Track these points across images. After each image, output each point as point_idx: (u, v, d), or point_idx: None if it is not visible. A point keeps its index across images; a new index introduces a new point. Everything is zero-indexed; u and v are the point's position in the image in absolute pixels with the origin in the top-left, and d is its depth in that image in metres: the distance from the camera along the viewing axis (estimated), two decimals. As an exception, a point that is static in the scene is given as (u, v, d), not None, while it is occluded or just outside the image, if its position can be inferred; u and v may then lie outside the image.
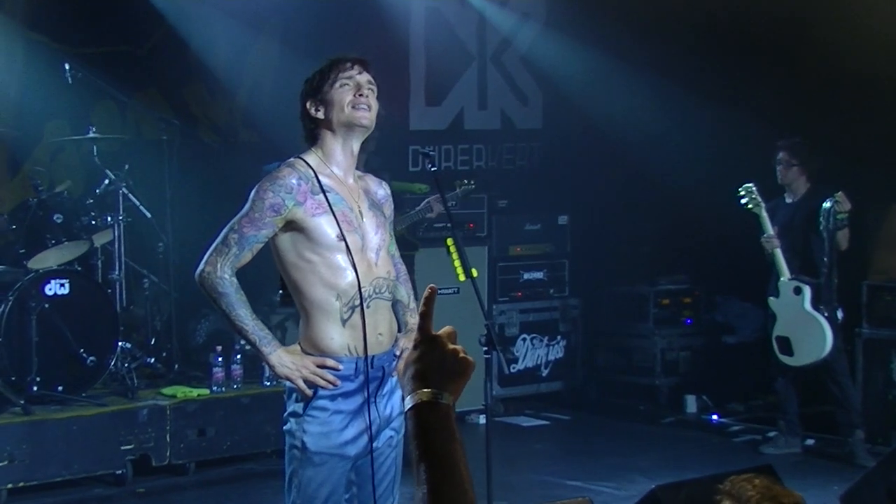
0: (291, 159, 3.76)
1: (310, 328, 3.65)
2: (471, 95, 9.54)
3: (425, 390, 1.77)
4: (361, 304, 3.63)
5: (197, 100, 8.71)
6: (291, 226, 3.63)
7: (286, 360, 3.60)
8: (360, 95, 3.67)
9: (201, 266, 3.65)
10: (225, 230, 3.67)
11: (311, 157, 3.73)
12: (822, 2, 7.83)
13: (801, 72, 8.11)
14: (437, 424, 1.75)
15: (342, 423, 3.63)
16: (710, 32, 8.38)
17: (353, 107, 3.67)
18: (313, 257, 3.63)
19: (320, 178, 3.68)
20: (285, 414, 3.72)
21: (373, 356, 3.68)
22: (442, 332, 1.83)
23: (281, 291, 3.87)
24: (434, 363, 1.80)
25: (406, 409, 1.79)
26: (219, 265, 3.62)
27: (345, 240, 3.63)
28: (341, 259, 3.63)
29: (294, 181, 3.64)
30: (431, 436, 1.74)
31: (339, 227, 3.63)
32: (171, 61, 8.31)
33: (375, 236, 3.75)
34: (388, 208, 3.91)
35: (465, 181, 7.35)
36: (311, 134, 3.76)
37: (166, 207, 7.54)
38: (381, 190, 3.91)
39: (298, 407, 3.66)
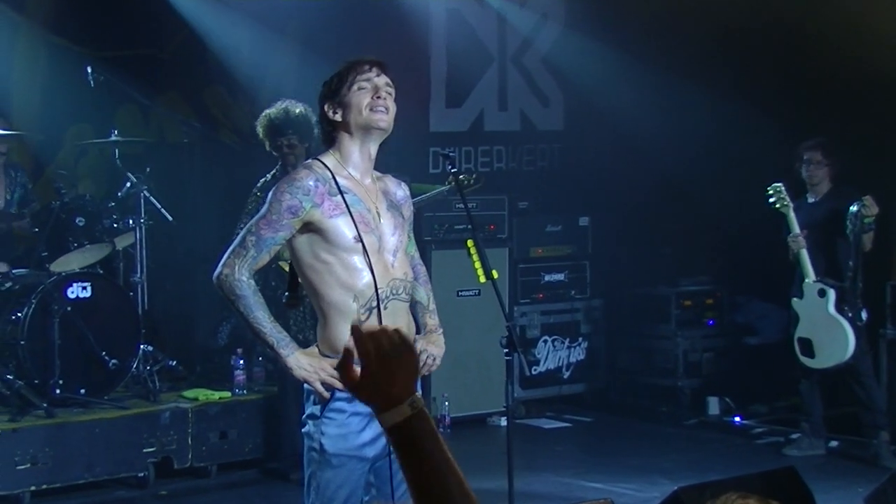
0: (309, 161, 3.76)
1: (327, 330, 3.65)
2: (491, 97, 9.53)
3: (403, 404, 1.70)
4: (378, 305, 3.63)
5: (218, 103, 8.73)
6: (309, 227, 3.63)
7: (304, 363, 3.59)
8: (378, 98, 3.66)
9: (219, 268, 3.65)
10: (242, 232, 3.68)
11: (329, 159, 3.73)
12: (843, 1, 7.78)
13: (822, 72, 8.05)
14: (425, 433, 1.70)
15: (360, 424, 3.63)
16: (732, 33, 8.35)
17: (371, 109, 3.66)
18: (330, 259, 3.63)
19: (338, 179, 3.67)
20: (304, 416, 3.72)
21: None
22: (367, 342, 1.72)
23: (287, 293, 3.84)
24: (402, 374, 1.71)
25: (388, 429, 1.71)
26: (236, 267, 3.62)
27: (362, 241, 3.63)
28: (358, 260, 3.62)
29: (311, 183, 3.64)
30: (425, 447, 1.70)
31: (357, 228, 3.63)
32: (192, 64, 8.34)
33: (393, 237, 3.74)
34: (408, 209, 3.90)
35: (464, 177, 7.05)
36: (329, 136, 3.76)
37: (188, 210, 7.56)
38: (401, 191, 3.90)
39: (316, 409, 3.66)
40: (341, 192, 3.65)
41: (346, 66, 3.71)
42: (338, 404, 3.63)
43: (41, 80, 7.93)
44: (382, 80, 3.70)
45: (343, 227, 3.63)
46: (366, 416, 3.63)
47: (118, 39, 8.11)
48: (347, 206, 3.64)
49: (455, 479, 1.68)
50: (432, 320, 3.95)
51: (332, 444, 3.62)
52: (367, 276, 3.62)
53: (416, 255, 3.95)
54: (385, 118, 3.68)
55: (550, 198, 9.20)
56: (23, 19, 7.85)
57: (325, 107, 3.73)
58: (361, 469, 3.66)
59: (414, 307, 3.85)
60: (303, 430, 3.71)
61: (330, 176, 3.67)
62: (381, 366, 1.71)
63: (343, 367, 1.72)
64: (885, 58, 7.48)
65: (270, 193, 3.68)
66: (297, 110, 6.38)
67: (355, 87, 3.67)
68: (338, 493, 3.64)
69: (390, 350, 1.72)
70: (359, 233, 3.63)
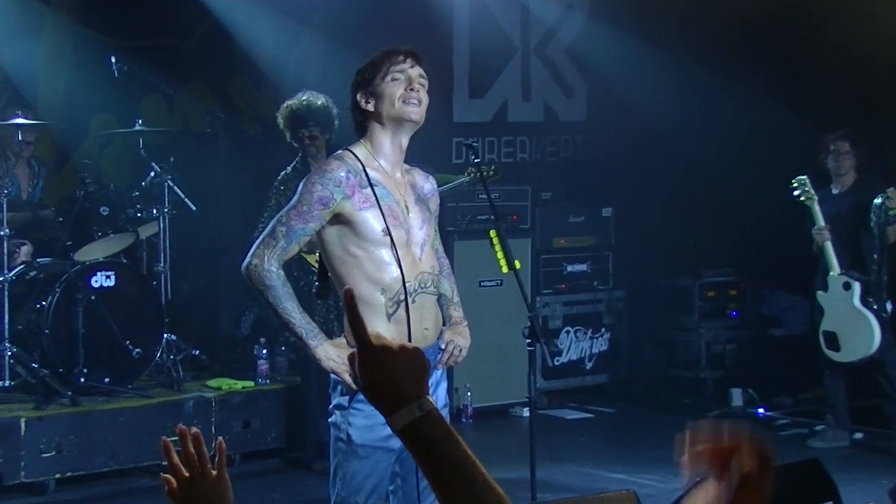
0: (340, 151, 3.75)
1: None
2: (514, 87, 9.51)
3: (411, 405, 1.64)
4: (406, 298, 3.63)
5: (242, 93, 8.75)
6: (338, 219, 3.63)
7: (332, 354, 3.59)
8: (412, 90, 3.64)
9: (248, 258, 3.65)
10: (273, 223, 3.68)
11: (360, 150, 3.72)
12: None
13: (848, 63, 8.00)
14: (438, 434, 1.64)
15: None
16: (757, 23, 8.30)
17: (404, 101, 3.64)
18: (358, 252, 3.63)
19: (368, 171, 3.67)
20: (331, 406, 3.73)
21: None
22: (375, 337, 1.69)
23: (318, 283, 3.84)
24: (401, 373, 1.66)
25: (398, 431, 1.65)
26: (266, 258, 3.62)
27: (390, 234, 3.63)
28: (386, 254, 3.62)
29: (343, 174, 3.63)
30: (440, 449, 1.63)
31: (385, 221, 3.63)
32: (216, 54, 8.36)
33: (421, 231, 3.73)
34: (434, 203, 3.89)
35: (483, 168, 6.98)
36: (361, 126, 3.75)
37: (211, 200, 7.58)
38: (428, 184, 3.89)
39: (344, 400, 3.66)
40: (371, 185, 3.64)
41: (380, 56, 3.69)
42: None
43: (66, 71, 7.97)
44: (416, 71, 3.68)
45: (372, 221, 3.63)
46: None
47: (143, 29, 8.13)
48: (377, 198, 3.64)
49: (478, 476, 1.64)
50: (457, 312, 3.95)
51: (360, 435, 3.63)
52: (395, 270, 3.62)
53: (440, 248, 3.95)
54: (417, 110, 3.66)
55: (573, 188, 9.18)
56: (48, 9, 7.89)
57: (358, 96, 3.71)
58: (388, 460, 3.67)
59: (439, 300, 3.85)
60: (329, 420, 3.71)
61: (361, 168, 3.66)
62: (380, 369, 1.67)
63: (359, 323, 1.70)
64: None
65: (301, 184, 3.67)
66: (319, 102, 6.37)
67: (389, 77, 3.65)
68: (364, 484, 3.65)
69: (417, 361, 1.70)
70: (387, 226, 3.63)
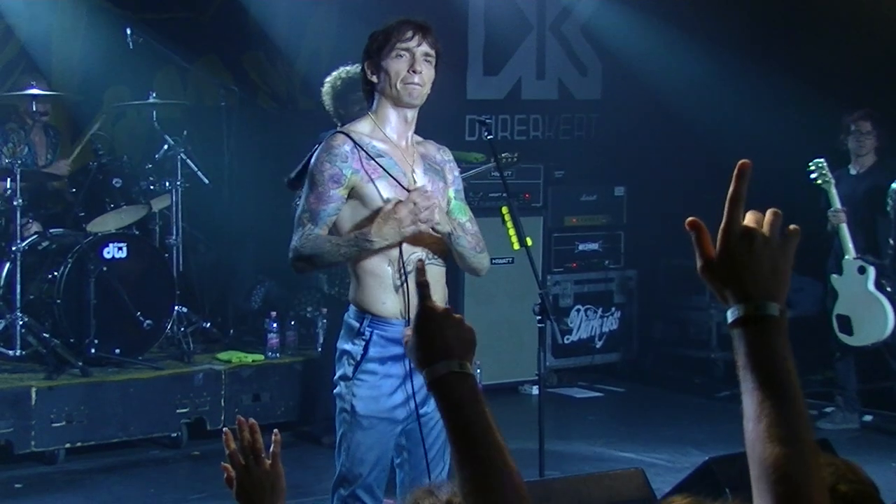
0: (345, 126, 3.77)
1: (361, 292, 3.67)
2: (529, 65, 9.47)
3: (451, 361, 1.74)
4: (406, 270, 3.62)
5: (256, 67, 8.74)
6: (352, 194, 3.66)
7: (385, 230, 3.58)
8: (414, 71, 3.64)
9: (290, 256, 3.71)
10: (298, 213, 3.73)
11: (365, 124, 3.74)
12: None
13: (864, 42, 7.95)
14: (470, 397, 1.72)
15: (392, 387, 3.64)
16: (774, 2, 8.24)
17: (405, 83, 3.65)
18: (364, 222, 3.65)
19: (374, 142, 3.68)
20: (336, 377, 3.74)
21: None
22: (440, 307, 1.81)
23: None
24: (452, 334, 1.77)
25: (432, 381, 1.74)
26: (298, 244, 3.68)
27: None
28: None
29: (347, 148, 3.66)
30: (469, 410, 1.71)
31: (392, 191, 3.64)
32: (231, 28, 8.34)
33: None
34: (451, 172, 3.89)
35: (509, 155, 7.05)
36: (368, 95, 3.77)
37: (224, 173, 7.59)
38: (441, 154, 3.89)
39: (349, 370, 3.68)
40: (377, 157, 3.66)
41: (388, 28, 3.69)
42: (370, 366, 3.65)
43: (81, 42, 7.96)
44: (422, 49, 3.67)
45: (379, 191, 3.65)
46: (397, 378, 3.65)
47: (158, 2, 8.13)
48: (384, 169, 3.65)
49: (498, 445, 1.69)
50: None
51: (364, 406, 3.64)
52: (403, 244, 3.63)
53: (471, 224, 3.86)
54: (416, 94, 3.67)
55: (586, 167, 9.15)
56: (63, -21, 7.88)
57: (366, 65, 3.73)
58: (391, 431, 3.68)
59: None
60: (334, 391, 3.73)
61: (366, 141, 3.68)
62: (435, 325, 1.77)
63: (426, 288, 1.82)
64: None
65: (312, 166, 3.69)
66: None
67: (394, 53, 3.66)
68: (368, 455, 3.67)
69: (469, 332, 1.80)
70: (395, 195, 3.64)
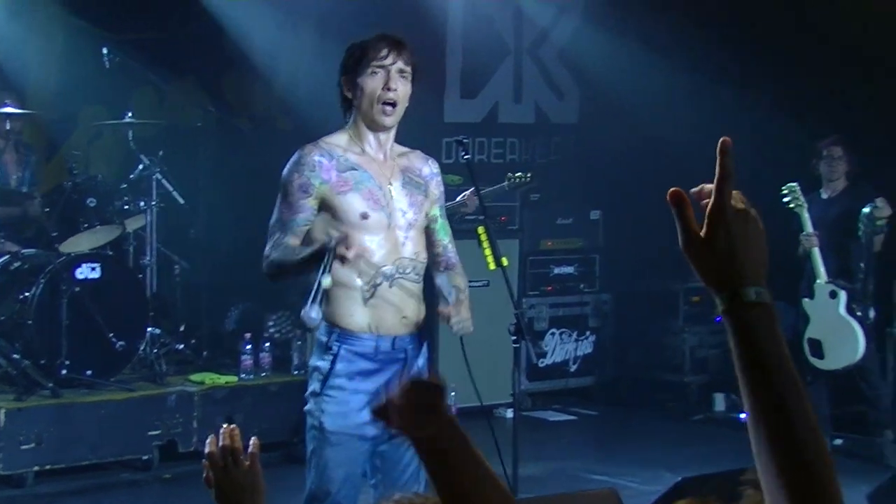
0: (320, 139, 3.76)
1: (330, 305, 3.66)
2: (506, 89, 9.50)
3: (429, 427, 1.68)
4: (380, 283, 3.59)
5: (234, 88, 8.73)
6: (323, 205, 3.65)
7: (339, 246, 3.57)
8: (388, 89, 3.64)
9: (263, 266, 3.72)
10: (270, 224, 3.74)
11: (341, 137, 3.75)
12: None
13: (838, 68, 8.03)
14: (458, 450, 1.70)
15: (361, 402, 3.62)
16: (749, 27, 8.31)
17: (380, 101, 3.65)
18: (336, 235, 3.64)
19: (347, 155, 3.69)
20: (306, 393, 3.73)
21: (394, 337, 3.66)
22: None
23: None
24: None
25: (413, 440, 1.70)
26: (269, 253, 3.69)
27: (367, 218, 3.63)
28: (365, 238, 3.63)
29: (317, 158, 3.66)
30: (455, 464, 1.69)
31: (364, 204, 3.64)
32: (208, 49, 8.33)
33: (405, 216, 3.72)
34: (436, 187, 3.88)
35: (518, 175, 7.07)
36: (345, 108, 3.78)
37: (200, 194, 7.57)
38: (428, 167, 3.88)
39: (318, 386, 3.67)
40: (350, 169, 3.66)
41: (364, 44, 3.70)
42: (338, 381, 3.63)
43: (58, 60, 7.94)
44: (397, 65, 3.68)
45: (351, 204, 3.64)
46: (367, 394, 3.63)
47: (137, 22, 8.11)
48: (356, 182, 3.65)
49: (496, 493, 1.68)
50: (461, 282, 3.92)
51: (332, 422, 3.63)
52: (372, 255, 3.63)
53: (450, 244, 3.91)
54: (390, 118, 3.69)
55: (562, 191, 9.17)
56: (41, -1, 7.86)
57: (342, 81, 3.74)
58: (361, 448, 3.66)
59: (439, 290, 3.85)
60: (305, 408, 3.72)
61: (339, 153, 3.67)
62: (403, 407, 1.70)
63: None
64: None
65: (283, 177, 3.70)
66: None
67: (369, 70, 3.67)
68: (336, 472, 3.65)
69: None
70: (367, 210, 3.63)
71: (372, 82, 3.66)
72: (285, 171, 3.71)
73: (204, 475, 2.31)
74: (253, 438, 2.37)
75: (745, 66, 8.45)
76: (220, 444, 2.31)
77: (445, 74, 9.15)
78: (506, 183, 6.95)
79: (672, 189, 1.45)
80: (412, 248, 3.74)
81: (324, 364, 3.66)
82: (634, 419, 8.32)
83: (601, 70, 9.17)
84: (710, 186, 1.46)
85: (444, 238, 3.86)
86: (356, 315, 3.64)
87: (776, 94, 8.34)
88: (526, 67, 9.54)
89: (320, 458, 3.66)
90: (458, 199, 7.03)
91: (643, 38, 8.66)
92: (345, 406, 3.62)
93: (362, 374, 3.63)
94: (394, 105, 3.67)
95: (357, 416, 3.63)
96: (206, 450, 2.29)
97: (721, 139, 1.47)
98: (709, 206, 1.44)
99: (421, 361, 3.78)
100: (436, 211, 3.86)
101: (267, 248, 3.70)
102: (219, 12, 8.20)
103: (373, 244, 3.64)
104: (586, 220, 8.99)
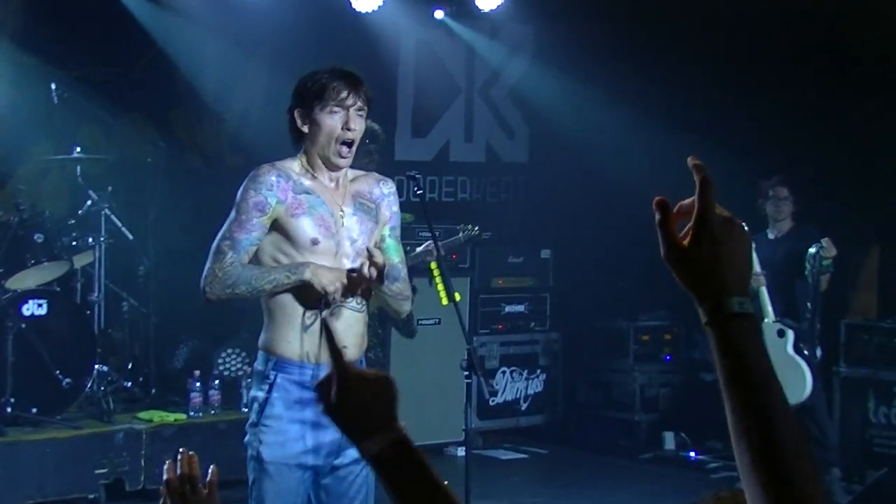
0: (275, 162, 3.74)
1: (270, 329, 3.65)
2: (457, 128, 9.56)
3: (386, 431, 1.58)
4: (321, 311, 3.57)
5: (184, 124, 8.70)
6: (275, 225, 3.63)
7: (322, 273, 3.57)
8: (348, 129, 3.64)
9: (202, 284, 3.63)
10: (217, 240, 3.67)
11: (294, 164, 3.74)
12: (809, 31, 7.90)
13: (782, 109, 8.17)
14: (410, 467, 1.59)
15: (299, 432, 3.59)
16: (695, 69, 8.42)
17: (339, 141, 3.66)
18: (284, 260, 3.63)
19: (301, 179, 3.68)
20: (246, 424, 3.69)
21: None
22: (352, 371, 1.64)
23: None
24: (374, 398, 1.62)
25: (369, 459, 1.60)
26: (218, 271, 3.59)
27: (318, 244, 3.62)
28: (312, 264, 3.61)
29: (273, 178, 3.64)
30: (413, 482, 1.58)
31: (316, 230, 3.63)
32: (159, 85, 8.31)
33: (355, 243, 3.71)
34: (388, 207, 3.85)
35: (469, 227, 7.09)
36: (296, 140, 3.76)
37: (148, 230, 7.52)
38: (379, 189, 3.85)
39: (255, 417, 3.64)
40: (303, 192, 3.65)
41: (322, 83, 3.67)
42: (276, 411, 3.60)
43: (5, 96, 7.86)
44: (356, 106, 3.68)
45: (303, 228, 3.64)
46: (306, 424, 3.60)
47: (86, 58, 8.06)
48: (309, 206, 3.64)
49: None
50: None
51: (270, 452, 3.60)
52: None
53: (400, 265, 3.83)
54: (345, 160, 3.69)
55: (513, 229, 9.23)
56: (-11, 35, 7.80)
57: (295, 113, 3.72)
58: (300, 477, 3.62)
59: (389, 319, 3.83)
60: (245, 439, 3.68)
61: (294, 177, 3.67)
62: (351, 394, 1.62)
63: (339, 356, 1.66)
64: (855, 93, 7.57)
65: (238, 194, 3.67)
66: (376, 126, 6.42)
67: (328, 109, 3.66)
68: (275, 503, 3.59)
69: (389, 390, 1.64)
70: (317, 236, 3.63)
71: (330, 121, 3.66)
72: (240, 191, 3.67)
73: (160, 502, 2.29)
74: (212, 466, 2.35)
75: (692, 107, 8.55)
76: (178, 471, 2.29)
77: (397, 113, 9.19)
78: (461, 235, 6.93)
79: (657, 197, 1.44)
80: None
81: (261, 394, 3.63)
82: (585, 457, 8.34)
83: (551, 110, 9.26)
84: (688, 202, 1.45)
85: (395, 258, 3.82)
86: (294, 342, 3.61)
87: (722, 133, 8.45)
88: (477, 107, 9.61)
89: (260, 489, 3.63)
90: (420, 249, 7.00)
91: (592, 78, 8.76)
92: (282, 436, 3.59)
93: (300, 403, 3.59)
94: (351, 145, 3.68)
95: (294, 445, 3.60)
96: (165, 476, 2.27)
97: (688, 158, 1.48)
98: (694, 214, 1.42)
99: None
100: (385, 231, 3.82)
101: (211, 266, 3.60)
102: (169, 48, 8.19)
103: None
104: (537, 258, 9.03)
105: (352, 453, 3.65)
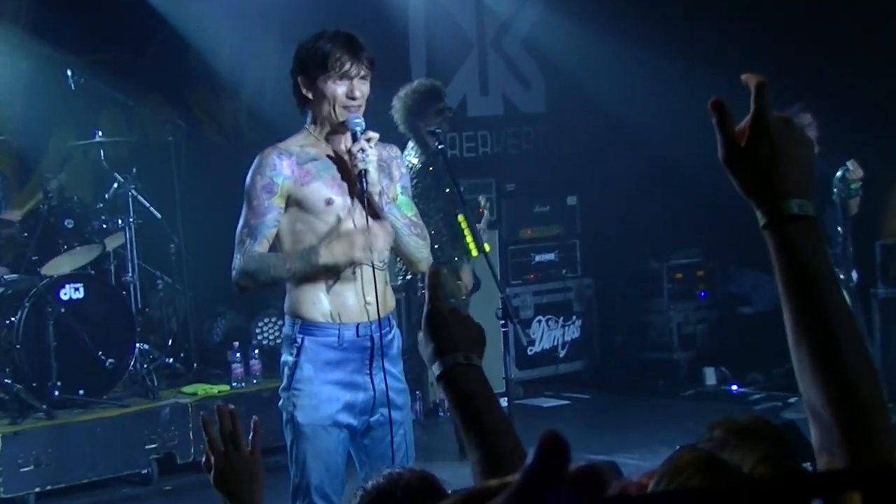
0: (278, 143, 3.75)
1: (293, 293, 3.67)
2: (472, 82, 9.53)
3: (457, 353, 1.82)
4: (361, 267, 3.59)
5: (201, 102, 8.73)
6: (290, 201, 3.65)
7: (336, 248, 3.57)
8: (353, 98, 3.65)
9: (233, 276, 3.68)
10: (237, 232, 3.71)
11: (299, 138, 3.74)
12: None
13: (803, 35, 8.10)
14: (474, 387, 1.80)
15: (331, 393, 3.62)
16: (715, 6, 8.36)
17: (343, 106, 3.66)
18: (302, 227, 3.65)
19: (307, 149, 3.69)
20: (280, 389, 3.73)
21: (357, 324, 3.65)
22: (446, 307, 1.89)
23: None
24: (457, 329, 1.85)
25: (438, 375, 1.83)
26: (241, 261, 3.65)
27: (332, 203, 3.64)
28: (329, 226, 3.63)
29: (275, 158, 3.65)
30: (473, 400, 1.79)
31: (328, 191, 3.65)
32: (173, 65, 8.33)
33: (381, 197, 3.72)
34: (398, 169, 3.86)
35: (483, 202, 7.03)
36: (301, 103, 3.76)
37: (176, 208, 7.57)
38: (386, 151, 3.85)
39: (286, 381, 3.68)
40: (309, 161, 3.67)
41: (324, 51, 3.66)
42: (306, 374, 3.62)
43: (24, 86, 7.92)
44: (359, 73, 3.67)
45: (315, 192, 3.65)
46: (337, 385, 3.63)
47: (99, 42, 8.10)
48: (319, 171, 3.65)
49: (503, 427, 1.79)
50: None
51: (304, 416, 3.63)
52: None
53: (415, 218, 3.83)
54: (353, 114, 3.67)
55: (537, 179, 9.22)
56: (1, 24, 7.83)
57: (299, 80, 3.72)
58: (337, 437, 3.65)
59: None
60: (279, 404, 3.71)
61: (297, 150, 3.68)
62: (465, 326, 1.87)
63: (434, 289, 1.89)
64: (874, 22, 7.50)
65: (247, 184, 3.69)
66: (437, 84, 6.48)
67: (331, 79, 3.65)
68: (316, 463, 3.63)
69: (475, 327, 1.92)
70: (331, 195, 3.65)
71: (335, 89, 3.65)
72: (248, 176, 3.70)
73: (203, 459, 2.27)
74: (254, 421, 2.32)
75: (709, 42, 8.50)
76: (221, 428, 2.28)
77: (410, 71, 9.16)
78: (484, 223, 6.89)
79: (713, 98, 1.40)
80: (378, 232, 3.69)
81: (290, 358, 3.66)
82: (626, 399, 8.37)
83: (565, 57, 9.21)
84: (745, 121, 1.39)
85: (409, 212, 3.80)
86: (318, 303, 3.63)
87: (746, 65, 8.37)
88: (490, 59, 9.57)
89: (298, 451, 3.66)
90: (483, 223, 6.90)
91: (605, 22, 8.70)
92: (315, 398, 3.61)
93: (329, 364, 3.62)
94: (358, 109, 3.68)
95: (328, 406, 3.62)
96: (205, 436, 2.31)
97: (742, 76, 1.44)
98: (750, 114, 1.39)
99: (394, 348, 3.75)
100: (397, 189, 3.81)
101: (237, 258, 3.66)
102: (181, 26, 8.20)
103: (337, 231, 3.64)
104: (563, 206, 9.03)
105: (386, 412, 3.69)
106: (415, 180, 6.27)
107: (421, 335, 1.88)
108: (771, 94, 1.39)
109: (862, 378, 1.35)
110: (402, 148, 4.77)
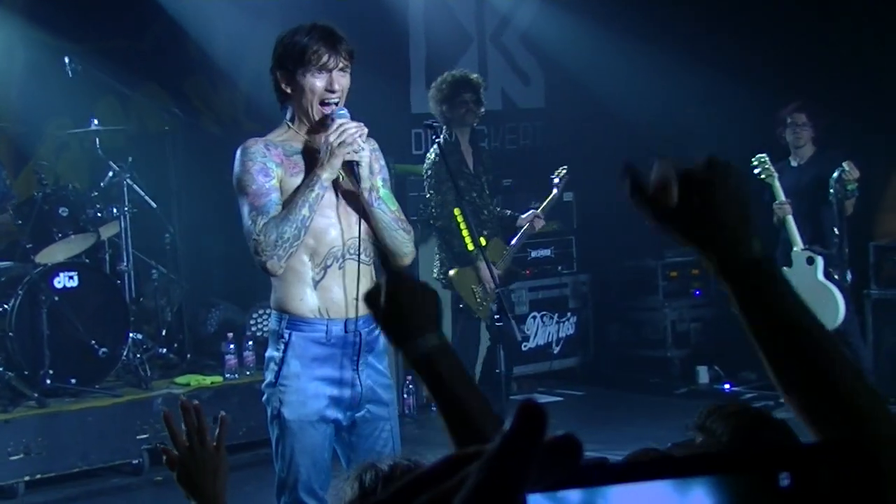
0: (256, 138, 3.70)
1: (280, 288, 3.63)
2: (471, 77, 9.50)
3: (431, 334, 1.71)
4: (331, 264, 3.58)
5: (198, 92, 8.71)
6: (280, 189, 3.62)
7: (333, 161, 3.53)
8: (331, 91, 3.63)
9: (257, 261, 3.56)
10: (245, 223, 3.61)
11: (280, 132, 3.71)
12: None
13: (801, 38, 8.09)
14: (456, 372, 1.74)
15: (317, 388, 3.60)
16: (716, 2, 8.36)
17: (322, 102, 3.62)
18: None
19: (289, 143, 3.67)
20: (263, 385, 3.70)
21: (345, 320, 3.62)
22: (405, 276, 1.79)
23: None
24: (421, 303, 1.74)
25: (413, 361, 1.73)
26: (257, 238, 3.54)
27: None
28: (317, 218, 3.59)
29: (262, 146, 3.62)
30: (454, 388, 1.73)
31: None
32: (171, 54, 8.31)
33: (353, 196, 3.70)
34: (377, 161, 3.77)
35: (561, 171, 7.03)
36: (282, 99, 3.72)
37: (172, 198, 7.56)
38: (367, 146, 3.72)
39: (272, 377, 3.63)
40: (293, 154, 3.64)
41: (302, 45, 3.62)
42: (293, 370, 3.59)
43: (19, 73, 7.89)
44: (339, 65, 3.63)
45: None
46: (324, 381, 3.61)
47: (96, 31, 8.07)
48: (304, 164, 3.62)
49: (479, 404, 1.74)
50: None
51: (291, 411, 3.59)
52: (323, 236, 3.60)
53: (397, 212, 3.75)
54: (330, 112, 3.63)
55: (534, 175, 9.19)
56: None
57: (278, 74, 3.68)
58: (323, 432, 3.63)
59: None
60: (263, 399, 3.68)
61: (281, 142, 3.65)
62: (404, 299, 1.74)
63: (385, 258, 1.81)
64: (871, 21, 7.50)
65: (236, 173, 3.63)
66: (468, 73, 6.46)
67: (310, 73, 3.61)
68: (302, 459, 3.61)
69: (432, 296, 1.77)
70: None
71: (314, 83, 3.61)
72: (236, 168, 3.62)
73: (165, 459, 2.21)
74: (222, 415, 2.26)
75: (707, 40, 8.49)
76: (185, 423, 2.22)
77: (410, 65, 9.16)
78: (555, 192, 6.86)
79: (625, 166, 1.36)
80: (365, 226, 3.67)
81: (277, 353, 3.62)
82: (619, 397, 8.37)
83: (565, 53, 9.20)
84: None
85: (393, 207, 3.73)
86: (305, 298, 3.59)
87: (743, 64, 8.39)
88: (490, 54, 9.56)
89: (285, 446, 3.62)
90: (525, 223, 6.91)
91: (604, 17, 8.69)
92: (301, 394, 3.59)
93: (316, 361, 3.59)
94: (336, 104, 3.65)
95: (315, 402, 3.59)
96: (167, 429, 2.23)
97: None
98: (674, 175, 1.35)
99: (380, 344, 3.71)
100: (378, 182, 3.74)
101: (251, 239, 3.55)
102: (179, 15, 8.18)
103: (322, 226, 3.61)
104: (560, 202, 9.00)
105: (372, 408, 3.67)
106: (429, 171, 6.28)
107: (373, 306, 1.74)
108: (679, 165, 1.32)
109: (865, 402, 1.30)
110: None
